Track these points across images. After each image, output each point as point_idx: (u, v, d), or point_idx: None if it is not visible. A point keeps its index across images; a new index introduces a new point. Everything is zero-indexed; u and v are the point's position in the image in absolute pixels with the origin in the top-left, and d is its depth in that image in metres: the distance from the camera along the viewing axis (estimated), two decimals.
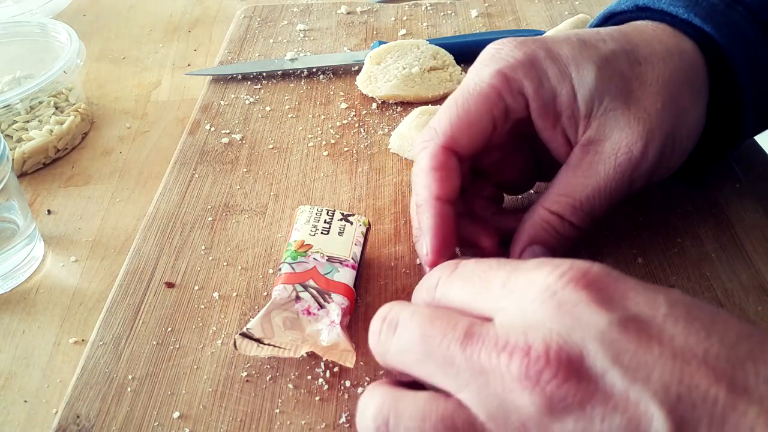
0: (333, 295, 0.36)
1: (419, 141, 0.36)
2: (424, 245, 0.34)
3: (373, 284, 0.41)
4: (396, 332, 0.26)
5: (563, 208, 0.34)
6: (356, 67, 0.61)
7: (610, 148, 0.34)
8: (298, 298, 0.36)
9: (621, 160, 0.34)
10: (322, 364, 0.36)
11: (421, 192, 0.35)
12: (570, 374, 0.21)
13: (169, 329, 0.39)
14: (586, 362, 0.21)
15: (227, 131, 0.55)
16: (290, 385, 0.36)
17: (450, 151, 0.35)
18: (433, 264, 0.33)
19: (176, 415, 0.35)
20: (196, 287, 0.42)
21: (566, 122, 0.35)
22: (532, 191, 0.45)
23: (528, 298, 0.24)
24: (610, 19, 0.42)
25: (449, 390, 0.24)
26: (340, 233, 0.39)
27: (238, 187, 0.49)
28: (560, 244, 0.35)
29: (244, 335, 0.35)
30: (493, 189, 0.41)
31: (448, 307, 0.27)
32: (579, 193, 0.34)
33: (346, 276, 0.37)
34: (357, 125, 0.55)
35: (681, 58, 0.35)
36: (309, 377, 0.36)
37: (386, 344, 0.27)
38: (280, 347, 0.35)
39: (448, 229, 0.34)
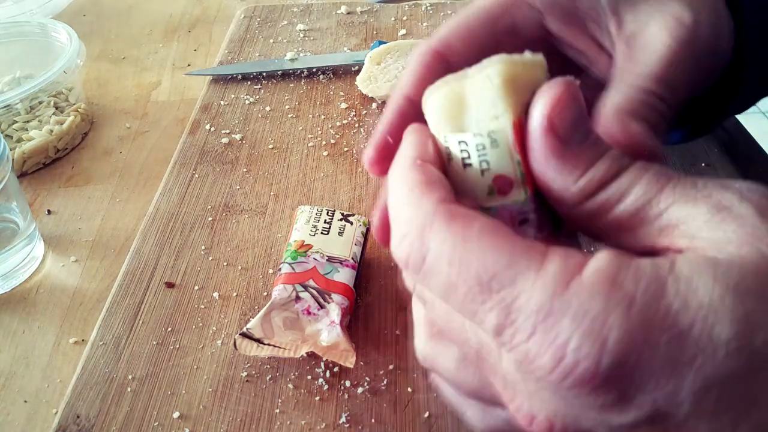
0: (333, 295, 0.36)
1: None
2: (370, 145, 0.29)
3: (373, 284, 0.41)
4: (426, 305, 0.23)
5: (645, 81, 0.29)
6: (356, 67, 0.61)
7: (658, 28, 0.30)
8: (298, 298, 0.36)
9: (676, 31, 0.29)
10: (322, 364, 0.36)
11: (394, 93, 0.30)
12: None
13: (169, 329, 0.39)
14: None
15: (227, 131, 0.55)
16: (290, 385, 0.36)
17: (439, 55, 0.30)
18: (372, 163, 0.28)
19: (176, 415, 0.35)
20: (196, 287, 0.42)
21: (594, 27, 0.31)
22: None
23: (531, 371, 0.19)
24: None
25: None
26: (340, 233, 0.39)
27: (238, 187, 0.49)
28: (658, 124, 0.29)
29: (244, 335, 0.35)
30: None
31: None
32: (647, 73, 0.29)
33: (346, 276, 0.37)
34: (357, 125, 0.55)
35: None
36: (309, 377, 0.36)
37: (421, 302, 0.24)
38: (280, 347, 0.35)
39: (400, 127, 0.27)
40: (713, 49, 0.31)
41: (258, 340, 0.35)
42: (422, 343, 0.24)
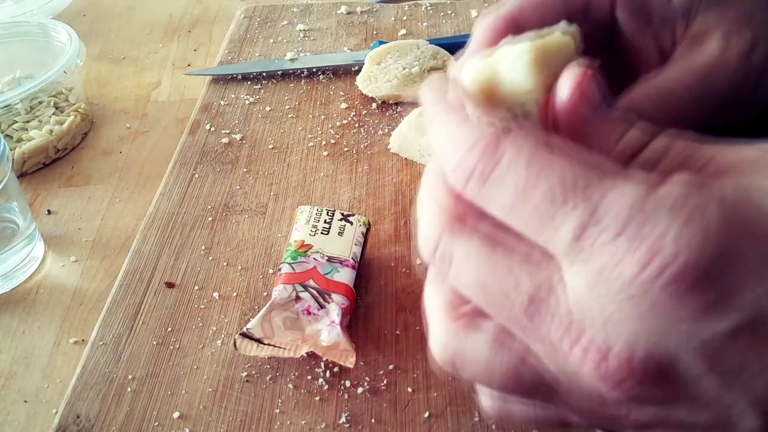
0: (333, 295, 0.36)
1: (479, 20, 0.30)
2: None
3: (373, 284, 0.41)
4: (450, 270, 0.21)
5: (677, 85, 0.29)
6: (356, 67, 0.61)
7: (720, 33, 0.29)
8: (298, 298, 0.36)
9: (735, 40, 0.29)
10: (322, 364, 0.36)
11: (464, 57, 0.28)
12: (655, 381, 0.18)
13: (169, 329, 0.39)
14: (677, 368, 0.18)
15: (227, 131, 0.55)
16: (290, 385, 0.36)
17: (512, 21, 0.29)
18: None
19: (176, 415, 0.35)
20: (196, 287, 0.42)
21: (659, 24, 0.31)
22: None
23: (612, 280, 0.17)
24: None
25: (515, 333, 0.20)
26: (340, 233, 0.39)
27: (238, 187, 0.49)
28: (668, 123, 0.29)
29: (244, 335, 0.35)
30: None
31: (492, 213, 0.20)
32: (692, 74, 0.29)
33: (346, 276, 0.37)
34: (357, 125, 0.55)
35: None
36: (309, 377, 0.36)
37: (445, 272, 0.21)
38: (280, 347, 0.35)
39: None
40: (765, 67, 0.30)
41: (258, 340, 0.35)
42: (444, 336, 0.22)
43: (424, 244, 0.22)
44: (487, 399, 0.23)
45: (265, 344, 0.35)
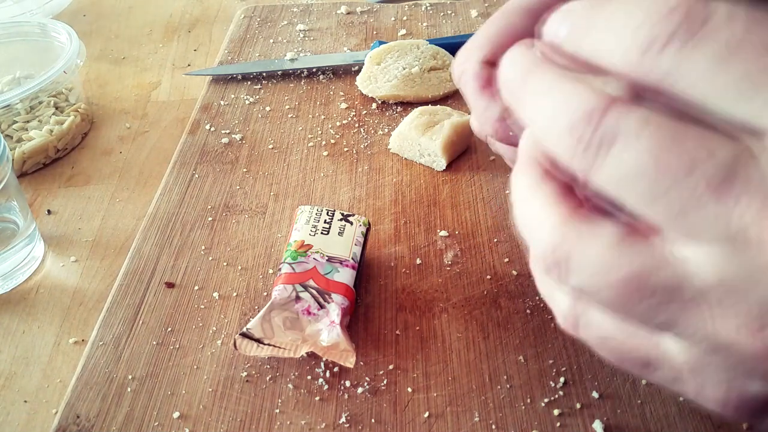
0: (333, 295, 0.36)
1: (454, 65, 0.31)
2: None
3: (373, 284, 0.41)
4: (612, 150, 0.17)
5: None
6: (356, 67, 0.61)
7: None
8: (298, 298, 0.36)
9: None
10: (322, 364, 0.36)
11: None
12: None
13: (169, 329, 0.39)
14: None
15: (227, 131, 0.55)
16: (290, 385, 0.36)
17: (492, 65, 0.29)
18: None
19: (176, 415, 0.35)
20: (196, 287, 0.42)
21: None
22: None
23: None
24: None
25: (675, 236, 0.17)
26: (340, 233, 0.39)
27: (238, 187, 0.49)
28: None
29: (244, 335, 0.35)
30: None
31: (683, 86, 0.17)
32: None
33: (346, 276, 0.37)
34: (357, 125, 0.55)
35: None
36: (309, 377, 0.36)
37: (593, 163, 0.17)
38: (280, 347, 0.35)
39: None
40: None
41: (258, 340, 0.35)
42: (554, 230, 0.19)
43: (576, 129, 0.18)
44: (567, 304, 0.20)
45: (265, 344, 0.35)
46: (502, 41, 0.29)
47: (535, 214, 0.20)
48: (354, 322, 0.39)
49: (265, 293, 0.41)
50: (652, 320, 0.18)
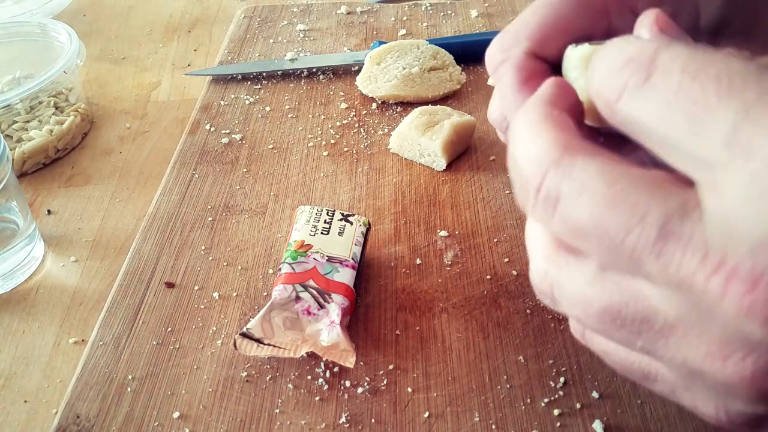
0: (333, 295, 0.36)
1: (492, 50, 0.28)
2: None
3: (373, 284, 0.41)
4: (557, 210, 0.19)
5: None
6: (356, 67, 0.61)
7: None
8: (298, 298, 0.36)
9: None
10: (322, 364, 0.36)
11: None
12: None
13: (169, 329, 0.39)
14: None
15: (227, 131, 0.55)
16: (290, 385, 0.36)
17: (537, 57, 0.28)
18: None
19: (176, 415, 0.35)
20: (196, 287, 0.42)
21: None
22: None
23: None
24: None
25: (637, 277, 0.18)
26: (340, 233, 0.39)
27: (238, 187, 0.49)
28: None
29: (244, 335, 0.35)
30: None
31: (630, 125, 0.18)
32: None
33: (346, 276, 0.37)
34: (357, 125, 0.55)
35: None
36: (309, 377, 0.36)
37: (544, 216, 0.19)
38: (280, 347, 0.35)
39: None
40: None
41: (258, 340, 0.35)
42: (543, 264, 0.21)
43: (525, 184, 0.19)
44: (576, 324, 0.23)
45: (265, 344, 0.35)
46: (552, 33, 0.27)
47: (530, 244, 0.22)
48: (354, 322, 0.39)
49: (265, 293, 0.41)
50: (634, 345, 0.19)
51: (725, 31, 0.30)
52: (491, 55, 0.29)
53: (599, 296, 0.19)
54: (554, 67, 0.28)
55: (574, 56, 0.24)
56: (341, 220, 0.40)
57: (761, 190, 0.15)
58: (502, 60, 0.28)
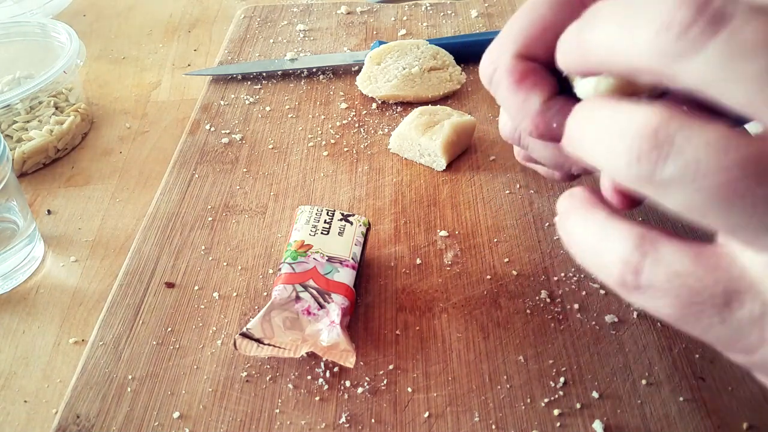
0: (333, 295, 0.36)
1: (483, 64, 0.30)
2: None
3: (373, 284, 0.41)
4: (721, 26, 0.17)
5: None
6: (356, 67, 0.61)
7: None
8: (298, 298, 0.36)
9: None
10: (322, 364, 0.36)
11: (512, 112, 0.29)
12: None
13: (169, 329, 0.39)
14: None
15: (227, 131, 0.55)
16: (290, 385, 0.36)
17: (526, 58, 0.29)
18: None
19: (176, 415, 0.35)
20: (196, 287, 0.42)
21: None
22: None
23: None
24: None
25: None
26: (340, 233, 0.39)
27: (238, 187, 0.49)
28: None
29: (244, 335, 0.35)
30: None
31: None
32: None
33: (346, 276, 0.37)
34: (357, 125, 0.55)
35: None
36: (309, 377, 0.36)
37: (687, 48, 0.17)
38: (280, 347, 0.35)
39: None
40: None
41: (258, 340, 0.35)
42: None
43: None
44: (630, 245, 0.21)
45: (265, 344, 0.35)
46: (535, 33, 0.28)
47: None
48: (354, 322, 0.39)
49: (265, 293, 0.41)
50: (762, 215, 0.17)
51: None
52: (483, 68, 0.30)
53: (737, 145, 0.17)
54: (546, 65, 0.28)
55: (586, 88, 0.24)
56: (341, 220, 0.40)
57: None
58: (494, 69, 0.29)
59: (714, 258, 0.19)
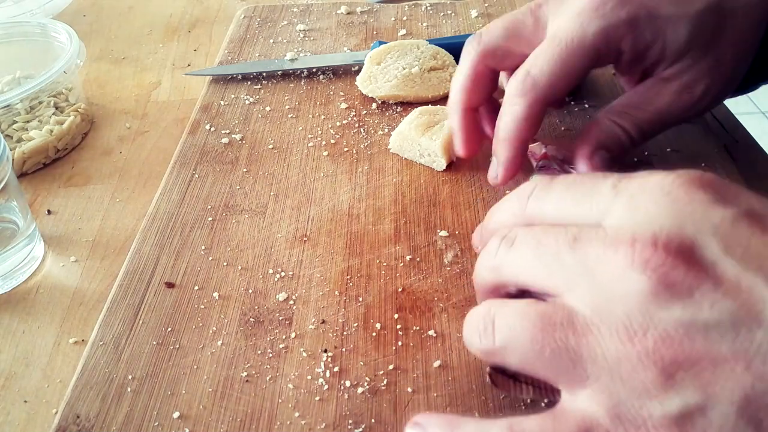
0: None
1: (511, 85, 0.39)
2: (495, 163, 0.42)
3: (373, 284, 0.41)
4: (513, 246, 0.27)
5: (627, 122, 0.40)
6: (356, 67, 0.61)
7: (678, 86, 0.39)
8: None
9: (685, 98, 0.39)
10: (322, 364, 0.36)
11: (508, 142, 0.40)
12: (679, 260, 0.21)
13: (169, 329, 0.39)
14: (696, 252, 0.22)
15: (227, 131, 0.55)
16: (290, 385, 0.36)
17: (545, 103, 0.39)
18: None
19: (176, 415, 0.35)
20: (196, 287, 0.42)
21: (649, 67, 0.40)
22: None
23: (640, 199, 0.24)
24: None
25: (557, 292, 0.25)
26: None
27: (238, 187, 0.49)
28: (619, 153, 0.40)
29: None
30: None
31: (541, 221, 0.27)
32: (642, 113, 0.40)
33: None
34: (357, 125, 0.55)
35: (761, 9, 0.38)
36: (309, 377, 0.36)
37: (503, 257, 0.27)
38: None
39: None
40: (709, 106, 0.41)
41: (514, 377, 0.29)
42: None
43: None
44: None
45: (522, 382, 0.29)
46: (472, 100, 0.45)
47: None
48: (354, 322, 0.39)
49: (266, 293, 0.41)
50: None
51: (686, 54, 0.38)
52: (510, 88, 0.39)
53: (534, 308, 0.25)
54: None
55: None
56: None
57: (635, 212, 0.24)
58: (521, 95, 0.38)
59: (562, 415, 0.25)
